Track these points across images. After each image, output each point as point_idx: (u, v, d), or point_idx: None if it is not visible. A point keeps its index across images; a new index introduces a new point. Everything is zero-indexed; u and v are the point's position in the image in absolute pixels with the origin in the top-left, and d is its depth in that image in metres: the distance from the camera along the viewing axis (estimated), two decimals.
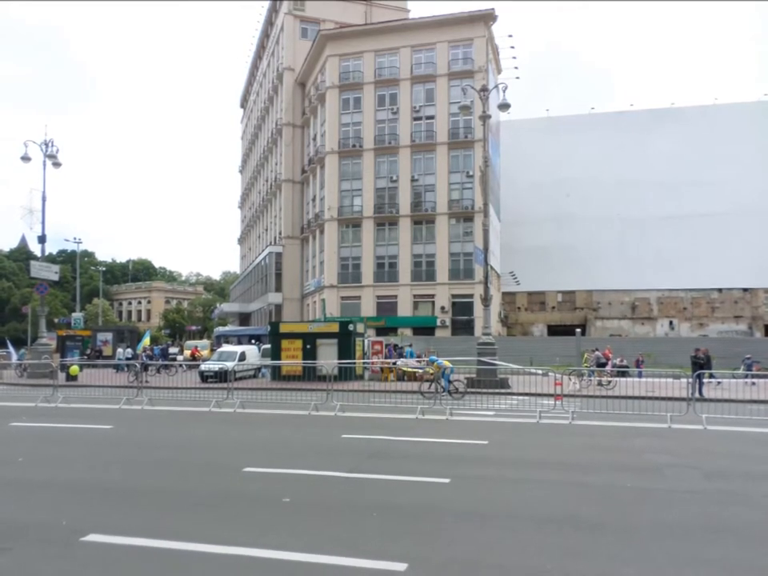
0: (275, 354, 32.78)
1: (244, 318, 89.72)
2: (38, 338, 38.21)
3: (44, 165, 36.81)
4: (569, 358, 39.84)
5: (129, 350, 41.51)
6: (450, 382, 22.81)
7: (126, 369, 33.44)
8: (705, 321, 71.51)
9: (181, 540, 6.84)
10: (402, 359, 33.68)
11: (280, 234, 74.77)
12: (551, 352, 44.95)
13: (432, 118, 60.48)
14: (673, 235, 68.97)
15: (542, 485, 9.77)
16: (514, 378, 26.93)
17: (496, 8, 59.03)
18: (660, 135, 71.28)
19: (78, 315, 61.54)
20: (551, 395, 19.37)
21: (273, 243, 76.97)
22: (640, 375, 29.67)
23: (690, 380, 19.40)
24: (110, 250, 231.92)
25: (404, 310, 59.06)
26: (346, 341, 32.13)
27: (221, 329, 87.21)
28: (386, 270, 60.54)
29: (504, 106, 30.26)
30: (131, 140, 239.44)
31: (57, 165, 37.03)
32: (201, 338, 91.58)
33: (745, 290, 71.06)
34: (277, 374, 31.40)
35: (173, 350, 60.02)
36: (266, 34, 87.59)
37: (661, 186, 70.28)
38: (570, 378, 24.39)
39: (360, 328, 34.58)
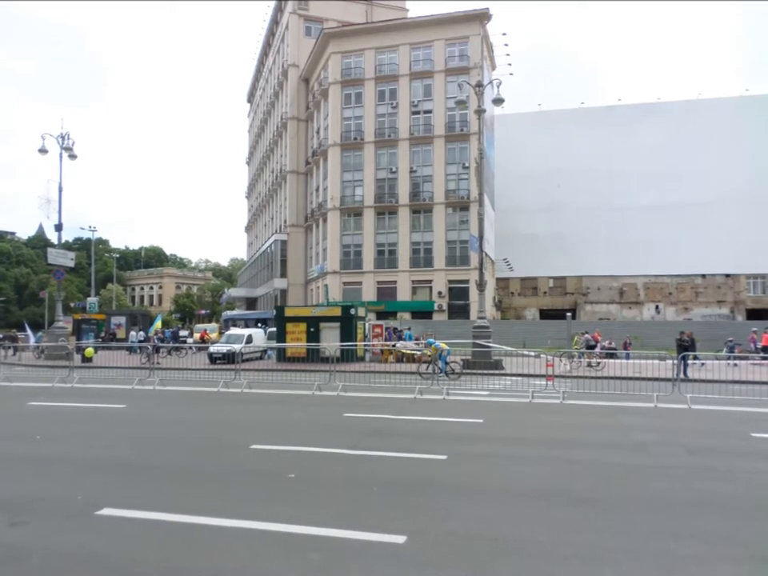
0: (280, 336, 32.75)
1: (251, 303, 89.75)
2: (55, 321, 38.23)
3: (60, 157, 36.76)
4: (560, 340, 39.84)
5: (141, 332, 41.49)
6: (446, 363, 22.83)
7: (138, 351, 33.44)
8: (689, 305, 71.52)
9: (191, 514, 6.83)
10: (401, 342, 33.70)
11: (285, 222, 74.65)
12: (543, 335, 44.87)
13: (430, 112, 60.13)
14: (658, 223, 68.81)
15: (534, 461, 9.77)
16: (507, 360, 26.96)
17: (490, 7, 58.69)
18: (646, 128, 70.98)
19: (92, 300, 61.57)
20: (543, 376, 19.42)
21: (278, 231, 76.92)
22: (627, 357, 29.66)
23: (675, 361, 19.41)
24: (124, 237, 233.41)
25: (403, 294, 59.02)
26: (347, 324, 32.11)
27: (229, 313, 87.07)
28: (386, 257, 60.39)
29: (498, 101, 30.19)
30: (144, 132, 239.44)
31: (72, 157, 36.97)
32: (210, 321, 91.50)
33: (727, 275, 71.05)
34: (282, 355, 31.42)
35: (183, 333, 60.09)
36: (271, 33, 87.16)
37: (647, 176, 70.09)
38: (560, 360, 24.38)
39: (361, 312, 34.54)
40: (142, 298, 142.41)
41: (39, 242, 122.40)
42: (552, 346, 34.34)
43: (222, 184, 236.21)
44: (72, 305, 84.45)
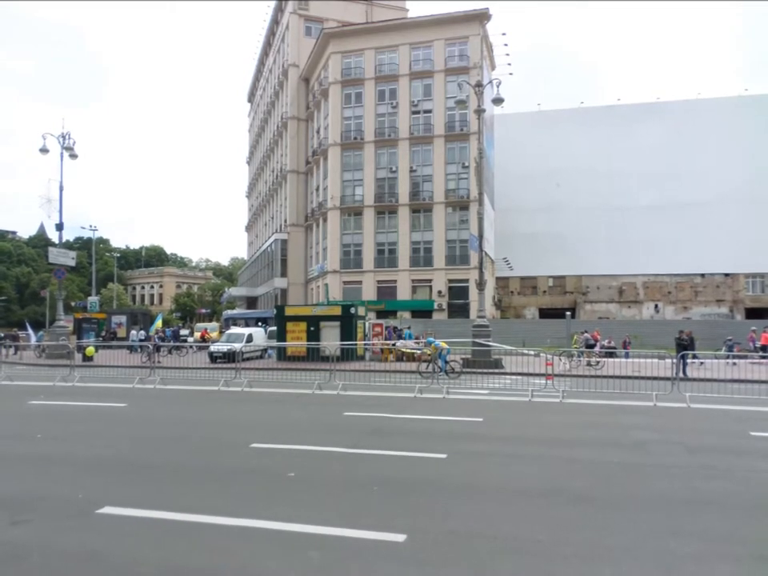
0: (281, 335, 32.74)
1: (251, 302, 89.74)
2: (56, 320, 38.19)
3: (61, 156, 36.71)
4: (559, 339, 39.84)
5: (142, 331, 41.52)
6: (446, 362, 22.81)
7: (139, 350, 33.47)
8: (688, 304, 71.53)
9: (192, 512, 6.83)
10: (401, 341, 33.67)
11: (285, 221, 74.67)
12: (542, 334, 44.91)
13: (429, 111, 60.18)
14: (658, 223, 68.86)
15: (534, 460, 9.76)
16: (507, 359, 26.93)
17: (490, 7, 58.70)
18: (646, 128, 71.02)
19: (93, 299, 61.52)
20: (543, 375, 19.38)
21: (278, 231, 76.96)
22: (627, 356, 29.66)
23: (675, 360, 19.39)
24: (124, 236, 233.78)
25: (403, 294, 59.04)
26: (347, 323, 32.10)
27: (229, 312, 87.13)
28: (386, 256, 60.43)
29: (498, 101, 30.17)
30: (144, 132, 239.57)
31: (73, 156, 36.91)
32: (210, 320, 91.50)
33: (726, 275, 71.06)
34: (282, 354, 31.40)
35: (184, 332, 60.09)
36: (272, 32, 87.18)
37: (647, 176, 70.14)
38: (560, 359, 24.34)
39: (361, 311, 34.54)
40: (142, 297, 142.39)
41: (40, 241, 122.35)
42: (551, 345, 34.32)
43: (223, 183, 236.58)
44: (73, 304, 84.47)
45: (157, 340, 36.15)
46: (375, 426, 12.84)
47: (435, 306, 57.40)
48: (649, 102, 74.80)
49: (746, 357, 26.70)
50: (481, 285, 29.85)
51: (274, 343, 32.80)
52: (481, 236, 30.61)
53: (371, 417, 13.94)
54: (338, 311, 33.21)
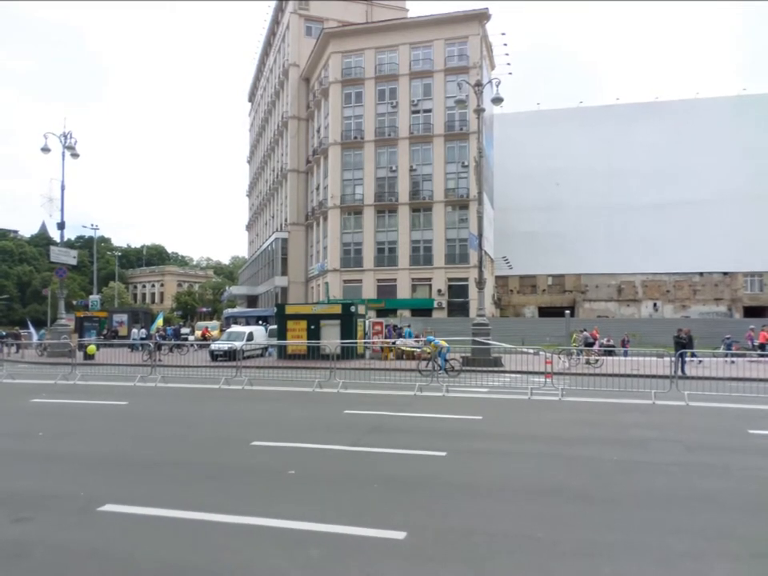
0: (281, 334, 32.74)
1: (252, 300, 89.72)
2: (58, 319, 38.24)
3: (63, 156, 36.69)
4: (558, 338, 39.85)
5: (143, 330, 41.54)
6: (446, 360, 22.82)
7: (140, 348, 33.49)
8: (687, 303, 71.42)
9: (192, 510, 6.83)
10: (401, 339, 33.66)
11: (286, 220, 74.61)
12: (542, 332, 44.90)
13: (429, 111, 60.12)
14: (657, 222, 68.76)
15: (533, 458, 9.76)
16: (506, 357, 26.92)
17: (490, 7, 58.64)
18: (645, 127, 70.88)
19: (95, 297, 61.59)
20: (542, 373, 19.36)
21: (279, 229, 76.92)
22: (626, 354, 29.65)
23: (673, 359, 19.36)
24: (126, 235, 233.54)
25: (403, 292, 58.99)
26: (348, 322, 32.09)
27: (230, 310, 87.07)
28: (386, 255, 60.39)
29: (497, 100, 30.14)
30: (145, 132, 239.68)
31: (75, 156, 36.87)
32: (211, 319, 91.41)
33: (725, 273, 70.94)
34: (283, 353, 31.42)
35: (184, 330, 60.03)
36: (272, 32, 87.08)
37: (646, 175, 70.00)
38: (559, 357, 24.32)
39: (361, 309, 34.53)
40: (143, 295, 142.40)
41: (42, 240, 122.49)
42: (551, 344, 34.32)
43: (223, 183, 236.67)
44: (74, 302, 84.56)
45: (158, 338, 36.15)
46: (375, 424, 12.84)
47: (435, 305, 57.36)
48: (648, 101, 74.60)
49: (744, 355, 26.71)
50: (480, 283, 29.86)
51: (275, 341, 32.81)
52: (480, 235, 30.61)
53: (371, 415, 13.94)
54: (338, 310, 33.21)
